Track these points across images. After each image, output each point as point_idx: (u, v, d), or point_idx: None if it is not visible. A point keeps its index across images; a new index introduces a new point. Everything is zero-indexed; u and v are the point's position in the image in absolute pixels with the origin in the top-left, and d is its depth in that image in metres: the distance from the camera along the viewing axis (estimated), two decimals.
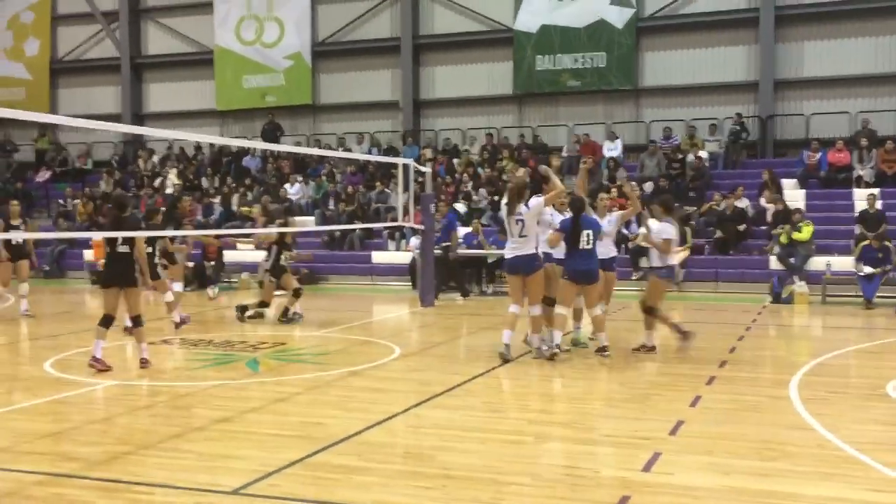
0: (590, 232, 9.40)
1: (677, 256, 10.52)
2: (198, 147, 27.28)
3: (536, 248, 9.46)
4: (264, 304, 13.45)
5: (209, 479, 5.39)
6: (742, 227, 18.62)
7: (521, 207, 9.37)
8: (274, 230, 13.74)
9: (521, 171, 15.37)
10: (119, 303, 9.16)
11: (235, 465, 5.67)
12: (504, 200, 9.67)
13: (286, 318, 13.08)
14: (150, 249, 11.16)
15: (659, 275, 9.97)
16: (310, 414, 7.11)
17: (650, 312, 9.98)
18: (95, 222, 23.62)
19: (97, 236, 20.20)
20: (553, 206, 9.87)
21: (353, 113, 26.91)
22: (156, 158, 27.54)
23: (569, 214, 9.65)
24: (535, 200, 9.42)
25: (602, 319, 9.69)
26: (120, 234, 9.06)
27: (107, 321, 9.04)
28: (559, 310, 9.48)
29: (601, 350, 9.60)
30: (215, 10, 27.76)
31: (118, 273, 9.15)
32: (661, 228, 9.84)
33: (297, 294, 13.25)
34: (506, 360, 9.34)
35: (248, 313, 13.43)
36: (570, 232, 9.38)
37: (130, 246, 9.21)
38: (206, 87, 28.42)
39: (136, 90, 29.25)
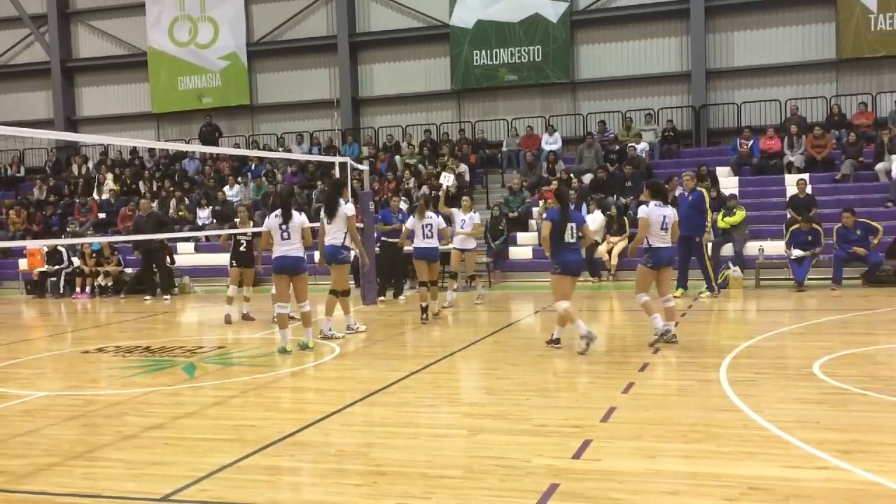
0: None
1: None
2: (134, 151, 26.84)
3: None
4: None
5: (136, 486, 5.33)
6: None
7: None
8: (227, 231, 14.25)
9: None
10: None
11: (165, 471, 5.61)
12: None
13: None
14: None
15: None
16: (244, 417, 7.06)
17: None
18: (30, 230, 23.11)
19: (32, 245, 19.84)
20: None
21: (292, 112, 26.77)
22: (91, 164, 27.02)
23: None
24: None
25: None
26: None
27: None
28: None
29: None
30: (147, 12, 27.33)
31: None
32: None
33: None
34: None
35: None
36: None
37: None
38: (141, 89, 28.01)
39: (69, 94, 28.67)
